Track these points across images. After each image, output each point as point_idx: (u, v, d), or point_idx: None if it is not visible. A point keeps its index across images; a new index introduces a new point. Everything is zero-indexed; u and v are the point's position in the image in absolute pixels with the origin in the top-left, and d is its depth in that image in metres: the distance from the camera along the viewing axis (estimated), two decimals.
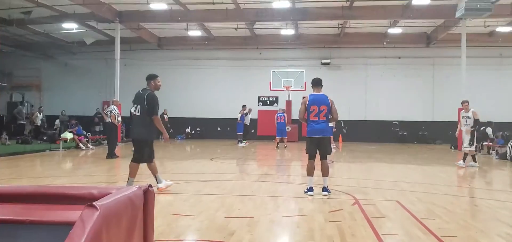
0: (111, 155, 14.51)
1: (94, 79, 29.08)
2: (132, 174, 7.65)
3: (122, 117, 15.79)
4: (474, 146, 12.75)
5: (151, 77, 7.85)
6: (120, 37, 23.01)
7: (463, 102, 13.28)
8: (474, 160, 12.83)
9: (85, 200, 1.67)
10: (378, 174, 11.39)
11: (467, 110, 13.00)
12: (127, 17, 22.33)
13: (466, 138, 12.78)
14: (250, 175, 11.13)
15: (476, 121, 12.71)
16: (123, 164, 13.45)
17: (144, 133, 7.51)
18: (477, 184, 10.31)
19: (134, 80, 29.00)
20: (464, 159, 12.89)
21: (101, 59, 28.54)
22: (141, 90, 7.66)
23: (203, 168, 12.17)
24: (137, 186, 1.79)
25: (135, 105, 7.53)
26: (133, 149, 7.79)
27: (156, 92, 7.75)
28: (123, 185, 8.90)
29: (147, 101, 7.45)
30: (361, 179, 10.31)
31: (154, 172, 7.82)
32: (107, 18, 21.63)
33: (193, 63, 28.14)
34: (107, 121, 14.87)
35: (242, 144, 21.86)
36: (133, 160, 7.64)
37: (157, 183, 7.84)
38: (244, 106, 22.79)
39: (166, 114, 25.87)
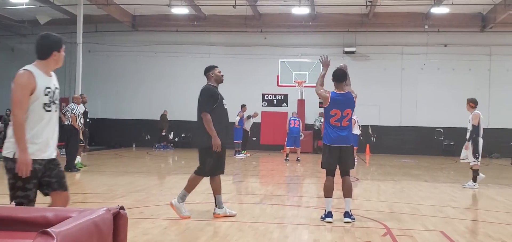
0: (70, 167, 14.52)
1: None
2: (189, 188, 7.99)
3: (89, 119, 15.76)
4: (477, 159, 12.73)
5: (209, 69, 8.28)
6: (84, 16, 23.08)
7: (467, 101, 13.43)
8: (474, 179, 12.84)
9: (38, 225, 1.67)
10: (416, 196, 11.39)
11: (471, 112, 13.11)
12: None
13: (468, 149, 12.81)
14: (251, 196, 11.13)
15: (474, 128, 12.77)
16: (85, 179, 13.48)
17: (205, 138, 7.66)
18: None
19: (101, 71, 29.49)
20: (474, 179, 12.89)
21: None
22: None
23: (184, 180, 12.17)
24: (104, 209, 1.79)
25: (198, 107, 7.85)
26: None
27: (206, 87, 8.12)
28: (87, 206, 8.93)
29: (201, 94, 7.82)
30: (394, 202, 10.29)
31: (215, 191, 7.95)
32: None
33: (178, 50, 28.21)
34: (66, 123, 14.89)
35: (241, 155, 21.89)
36: (194, 172, 8.00)
37: (216, 207, 7.95)
38: (243, 106, 22.84)
39: (166, 114, 26.16)
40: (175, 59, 28.28)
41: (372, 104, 26.13)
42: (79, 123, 14.89)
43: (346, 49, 27.26)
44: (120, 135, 27.57)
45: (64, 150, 15.13)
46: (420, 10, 25.25)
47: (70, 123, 14.71)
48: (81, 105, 15.45)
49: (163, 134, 27.33)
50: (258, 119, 26.52)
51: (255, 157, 22.45)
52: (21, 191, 4.53)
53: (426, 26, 26.04)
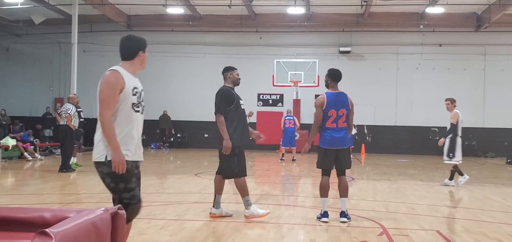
0: (65, 167, 14.49)
1: (44, 70, 29.08)
2: (218, 190, 7.96)
3: (83, 119, 15.69)
4: (455, 158, 12.81)
5: (227, 70, 8.13)
6: (79, 16, 23.03)
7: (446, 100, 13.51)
8: (451, 177, 12.95)
9: (36, 225, 1.66)
10: (412, 196, 11.40)
11: (451, 111, 13.19)
12: None
13: (445, 147, 12.89)
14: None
15: (452, 127, 12.84)
16: (80, 179, 13.44)
17: (221, 139, 7.63)
18: None
19: (96, 71, 29.09)
20: (459, 174, 12.96)
21: (54, 43, 28.55)
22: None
23: (186, 186, 12.16)
24: (102, 209, 1.78)
25: None
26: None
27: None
28: (82, 206, 8.89)
29: (217, 95, 7.78)
30: (390, 202, 10.30)
31: (218, 191, 7.93)
32: None
33: (173, 50, 28.19)
34: (61, 123, 14.85)
35: None
36: (217, 172, 7.97)
37: (213, 206, 7.95)
38: None
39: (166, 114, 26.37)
40: (170, 59, 28.25)
41: (367, 104, 26.15)
42: (74, 123, 14.86)
43: (342, 49, 27.31)
44: None
45: (59, 150, 15.14)
46: (415, 10, 25.32)
47: (65, 123, 14.67)
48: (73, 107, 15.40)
49: (167, 133, 27.46)
50: (253, 119, 26.45)
51: (250, 157, 22.43)
52: (126, 193, 4.47)
53: (421, 26, 26.12)
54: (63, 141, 14.98)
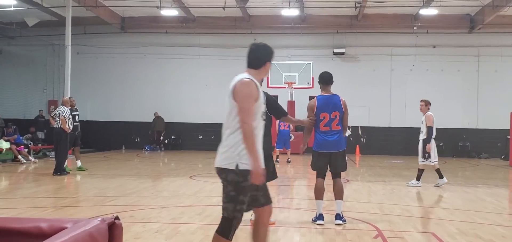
0: (59, 170, 14.44)
1: (38, 72, 28.99)
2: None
3: (78, 122, 15.60)
4: (430, 160, 12.94)
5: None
6: (72, 18, 22.93)
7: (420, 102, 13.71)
8: (440, 176, 13.05)
9: (32, 236, 1.65)
10: (407, 198, 11.43)
11: (424, 113, 13.38)
12: None
13: (419, 149, 13.08)
14: None
15: (429, 130, 13.02)
16: (74, 182, 13.41)
17: (268, 142, 7.51)
18: None
19: (90, 73, 29.34)
20: (439, 177, 13.08)
21: (47, 45, 28.48)
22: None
23: (180, 189, 12.15)
24: (99, 219, 1.77)
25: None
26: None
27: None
28: (77, 211, 8.87)
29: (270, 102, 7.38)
30: (385, 204, 10.32)
31: None
32: None
33: (167, 52, 28.15)
34: (56, 126, 14.80)
35: None
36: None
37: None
38: None
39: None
40: (165, 61, 28.22)
41: (361, 105, 26.19)
42: (69, 126, 14.80)
43: (336, 50, 27.34)
44: (110, 137, 27.46)
45: (53, 153, 15.09)
46: (408, 11, 25.37)
47: (59, 126, 14.62)
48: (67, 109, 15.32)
49: (161, 138, 27.46)
50: None
51: None
52: (239, 205, 4.44)
53: (415, 27, 26.17)
54: (58, 143, 14.93)
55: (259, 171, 4.31)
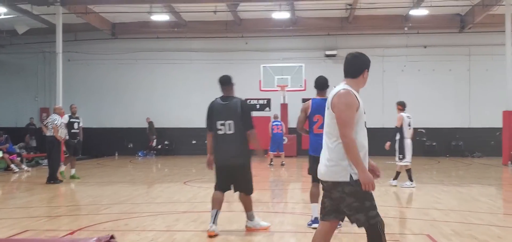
0: (53, 178, 14.38)
1: (29, 80, 28.85)
2: (250, 206, 7.65)
3: (77, 129, 15.45)
4: (405, 160, 13.21)
5: (230, 80, 7.63)
6: (63, 25, 22.87)
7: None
8: (410, 179, 13.24)
9: None
10: (401, 199, 11.46)
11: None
12: None
13: (396, 149, 13.39)
14: (237, 203, 11.09)
15: (394, 129, 13.45)
16: (68, 191, 13.35)
17: (246, 153, 7.47)
18: None
19: (81, 80, 29.21)
20: (408, 179, 13.29)
21: (38, 53, 28.35)
22: (223, 100, 7.46)
23: (174, 195, 12.12)
24: (94, 238, 1.76)
25: (224, 121, 7.33)
26: (217, 175, 7.61)
27: None
28: (71, 220, 8.82)
29: (245, 111, 7.38)
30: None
31: (251, 206, 7.69)
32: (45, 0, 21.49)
33: (159, 57, 28.09)
34: (48, 134, 14.73)
35: None
36: (246, 193, 7.56)
37: (249, 219, 7.71)
38: None
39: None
40: (156, 66, 28.16)
41: None
42: (61, 134, 14.73)
43: (327, 52, 27.38)
44: (102, 144, 27.34)
45: (46, 161, 15.00)
46: (399, 12, 25.45)
47: (52, 134, 14.56)
48: (66, 116, 15.22)
49: (154, 144, 27.39)
50: None
51: None
52: (371, 210, 4.43)
53: (406, 28, 26.25)
54: (50, 152, 14.87)
55: (367, 180, 4.31)
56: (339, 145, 4.40)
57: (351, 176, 4.35)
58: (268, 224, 7.84)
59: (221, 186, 7.51)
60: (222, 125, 7.31)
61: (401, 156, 13.24)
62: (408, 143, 13.31)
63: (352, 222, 4.50)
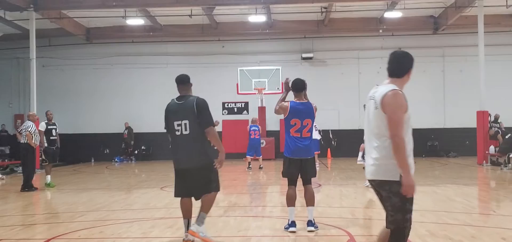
0: (27, 186, 14.18)
1: (2, 86, 28.48)
2: (208, 208, 7.11)
3: (56, 136, 15.20)
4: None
5: (187, 79, 7.29)
6: (36, 30, 22.61)
7: None
8: None
9: None
10: (378, 200, 11.50)
11: None
12: (44, 3, 22.08)
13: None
14: (214, 208, 11.03)
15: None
16: (44, 199, 13.16)
17: (207, 153, 7.00)
18: (505, 210, 10.55)
19: (56, 85, 28.86)
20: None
21: (12, 58, 28.02)
22: (178, 99, 7.09)
23: (151, 201, 12.02)
24: None
25: (180, 121, 6.95)
26: (176, 181, 7.22)
27: None
28: (45, 228, 8.68)
29: (201, 109, 6.94)
30: (357, 208, 10.39)
31: (210, 208, 7.18)
32: (18, 5, 21.24)
33: (134, 61, 27.94)
34: (22, 141, 14.53)
35: None
36: (206, 192, 7.00)
37: (198, 223, 7.11)
38: None
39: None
40: (132, 70, 27.98)
41: (331, 108, 26.41)
42: (35, 141, 14.53)
43: (304, 55, 27.49)
44: (78, 150, 27.02)
45: (20, 168, 14.79)
46: (374, 15, 25.68)
47: (26, 141, 14.36)
48: (43, 123, 14.95)
49: (131, 149, 27.21)
50: (219, 128, 26.39)
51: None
52: (408, 214, 4.43)
53: (381, 30, 26.51)
54: (25, 159, 14.67)
55: (410, 183, 4.31)
56: (390, 144, 4.40)
57: (401, 176, 4.37)
58: (212, 240, 7.23)
59: (181, 192, 7.16)
60: (179, 125, 6.96)
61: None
62: None
63: (387, 221, 4.51)
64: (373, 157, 4.52)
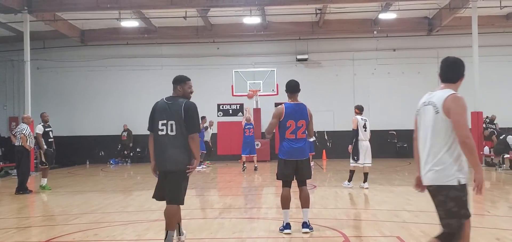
0: (22, 189, 14.13)
1: None
2: (173, 224, 6.73)
3: (52, 138, 15.15)
4: (359, 161, 13.74)
5: (181, 80, 6.95)
6: (31, 32, 22.57)
7: None
8: (350, 179, 13.98)
9: None
10: (373, 201, 11.55)
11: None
12: (38, 5, 22.03)
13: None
14: (209, 210, 11.06)
15: (352, 132, 14.00)
16: (38, 201, 13.13)
17: (186, 160, 6.65)
18: (500, 211, 10.59)
19: (50, 88, 28.82)
20: (348, 179, 14.01)
21: (6, 61, 27.93)
22: (168, 99, 6.86)
23: (146, 203, 11.99)
24: None
25: (166, 121, 6.67)
26: (157, 184, 6.89)
27: None
28: (40, 231, 8.66)
29: (189, 113, 6.64)
30: (351, 209, 10.40)
31: (176, 221, 6.92)
32: (12, 7, 21.18)
33: (129, 63, 27.91)
34: (17, 144, 14.49)
35: (201, 167, 21.57)
36: (172, 201, 6.67)
37: (180, 234, 7.13)
38: (203, 118, 22.63)
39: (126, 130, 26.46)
40: (127, 72, 27.95)
41: (326, 110, 26.43)
42: (30, 143, 14.49)
43: (299, 57, 27.53)
44: (73, 153, 26.97)
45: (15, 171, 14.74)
46: (368, 16, 25.75)
47: (20, 144, 14.32)
48: (40, 126, 14.82)
49: (128, 151, 27.19)
50: (214, 129, 26.49)
51: (212, 168, 22.33)
52: (463, 218, 4.49)
53: (375, 32, 26.57)
54: (19, 162, 14.62)
55: (482, 181, 4.40)
56: (449, 150, 4.45)
57: (459, 181, 4.42)
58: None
59: (160, 195, 6.84)
60: (164, 125, 6.65)
61: (355, 157, 13.63)
62: (363, 145, 13.70)
63: (442, 226, 4.56)
64: (432, 162, 4.55)
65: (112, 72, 27.97)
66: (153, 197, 6.93)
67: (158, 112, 6.77)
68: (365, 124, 13.81)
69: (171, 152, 6.57)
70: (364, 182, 13.75)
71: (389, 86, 27.27)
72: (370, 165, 13.86)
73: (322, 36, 27.23)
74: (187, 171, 6.58)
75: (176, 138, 6.58)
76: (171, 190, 6.63)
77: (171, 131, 6.59)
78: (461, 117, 4.43)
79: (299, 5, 22.85)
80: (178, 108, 6.61)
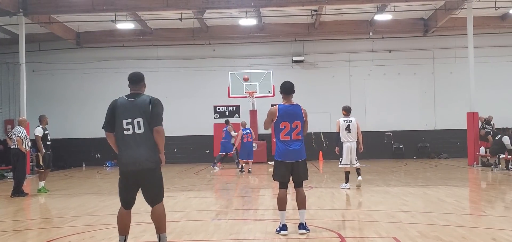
0: (18, 192, 14.10)
1: None
2: (164, 226, 6.70)
3: (50, 141, 15.05)
4: (343, 162, 13.88)
5: (143, 78, 6.92)
6: (26, 35, 22.52)
7: None
8: (346, 181, 14.01)
9: None
10: (369, 202, 11.55)
11: None
12: (34, 8, 21.99)
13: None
14: (206, 212, 11.05)
15: (336, 134, 14.13)
16: (35, 204, 13.09)
17: (158, 155, 6.46)
18: (496, 211, 10.61)
19: (46, 90, 28.77)
20: (345, 180, 14.04)
21: (1, 64, 27.92)
22: (128, 97, 6.66)
23: (142, 205, 11.87)
24: None
25: (131, 119, 6.42)
26: (124, 187, 6.68)
27: None
28: (36, 234, 8.64)
29: (156, 108, 6.47)
30: (348, 210, 10.40)
31: (165, 223, 6.79)
32: (7, 10, 21.14)
33: (125, 65, 27.76)
34: (12, 147, 14.45)
35: (215, 168, 21.69)
36: (155, 202, 6.60)
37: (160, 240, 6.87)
38: (227, 121, 22.71)
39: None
40: (123, 74, 27.33)
41: (322, 111, 26.45)
42: (26, 146, 14.46)
43: (295, 58, 27.57)
44: (69, 155, 26.90)
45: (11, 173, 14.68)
46: (364, 17, 25.80)
47: (16, 147, 14.28)
48: (39, 129, 14.69)
49: None
50: (210, 131, 26.57)
51: (209, 170, 22.31)
52: None
53: (371, 33, 26.63)
54: (15, 164, 14.57)
55: None
56: None
57: None
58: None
59: (128, 198, 6.64)
60: (129, 123, 6.37)
61: (341, 158, 13.83)
62: (346, 146, 13.76)
63: None
64: None
65: (108, 75, 27.92)
66: (124, 207, 6.71)
67: (120, 111, 6.52)
68: (348, 125, 13.83)
69: (143, 151, 6.30)
70: (358, 176, 13.94)
71: (385, 87, 27.33)
72: (357, 165, 13.90)
73: (318, 38, 27.27)
74: (161, 165, 6.45)
75: (146, 135, 6.33)
76: (152, 192, 6.50)
77: (139, 128, 6.34)
78: None
79: (295, 6, 22.88)
80: (145, 104, 6.42)
